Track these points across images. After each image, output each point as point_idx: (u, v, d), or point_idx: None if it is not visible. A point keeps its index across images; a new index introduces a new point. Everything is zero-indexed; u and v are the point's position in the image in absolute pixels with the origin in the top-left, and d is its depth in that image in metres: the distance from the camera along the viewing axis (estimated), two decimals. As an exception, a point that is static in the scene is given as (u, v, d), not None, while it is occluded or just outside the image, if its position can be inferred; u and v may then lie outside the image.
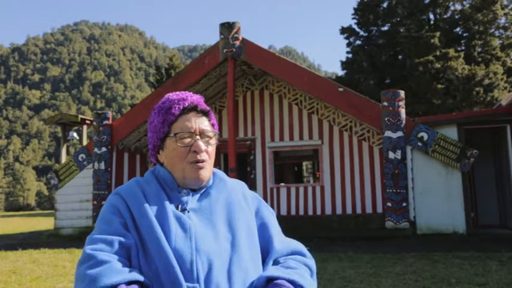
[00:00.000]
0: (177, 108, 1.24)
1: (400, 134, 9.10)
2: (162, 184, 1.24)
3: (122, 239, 1.12)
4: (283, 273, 1.11)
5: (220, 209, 1.21)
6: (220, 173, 1.32)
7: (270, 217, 1.30)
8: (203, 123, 1.25)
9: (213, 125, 1.29)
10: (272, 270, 1.13)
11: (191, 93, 1.30)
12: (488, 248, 7.00)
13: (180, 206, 1.18)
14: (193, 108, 1.26)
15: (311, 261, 1.24)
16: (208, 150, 1.24)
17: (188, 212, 1.18)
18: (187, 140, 1.22)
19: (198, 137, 1.23)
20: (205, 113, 1.28)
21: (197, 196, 1.22)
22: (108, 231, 1.13)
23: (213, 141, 1.27)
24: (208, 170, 1.24)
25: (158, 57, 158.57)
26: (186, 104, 1.25)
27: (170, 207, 1.17)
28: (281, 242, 1.25)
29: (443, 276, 5.00)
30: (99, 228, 1.16)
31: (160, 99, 1.30)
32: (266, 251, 1.22)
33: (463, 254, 6.41)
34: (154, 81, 33.59)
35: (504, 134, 9.29)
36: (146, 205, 1.16)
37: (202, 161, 1.22)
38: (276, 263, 1.20)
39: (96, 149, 10.80)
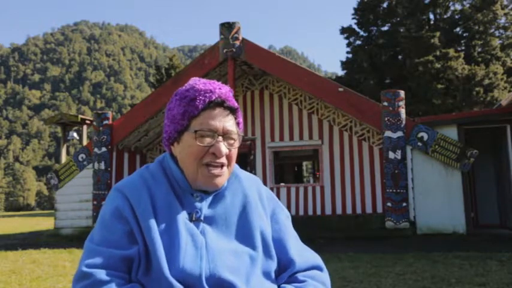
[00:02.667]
0: (201, 101, 1.08)
1: (400, 134, 9.10)
2: (172, 182, 1.11)
3: (123, 252, 1.02)
4: None
5: (236, 217, 1.11)
6: (235, 169, 1.19)
7: (286, 222, 1.21)
8: (228, 123, 1.11)
9: (238, 124, 1.15)
10: None
11: (220, 83, 1.14)
12: (488, 248, 6.99)
13: (194, 215, 1.07)
14: (220, 104, 1.10)
15: (327, 277, 1.17)
16: (229, 154, 1.10)
17: (202, 221, 1.08)
18: (208, 140, 1.08)
19: (220, 138, 1.08)
20: (232, 111, 1.13)
21: (210, 199, 1.11)
22: (108, 240, 1.04)
23: (237, 144, 1.13)
24: (225, 176, 1.11)
25: (158, 57, 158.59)
26: (213, 98, 1.09)
27: (182, 217, 1.06)
28: (299, 253, 1.16)
29: (443, 276, 5.00)
30: (100, 234, 1.06)
31: (186, 84, 1.15)
32: (284, 264, 1.13)
33: (463, 254, 6.41)
34: (155, 81, 33.58)
35: (504, 134, 9.29)
36: (153, 213, 1.05)
37: (221, 166, 1.09)
38: (294, 279, 1.12)
39: (96, 149, 10.79)
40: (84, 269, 1.00)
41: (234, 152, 1.13)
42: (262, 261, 1.09)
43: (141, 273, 1.02)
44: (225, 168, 1.10)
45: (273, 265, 1.11)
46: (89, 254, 1.03)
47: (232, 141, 1.11)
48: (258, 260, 1.07)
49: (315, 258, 1.19)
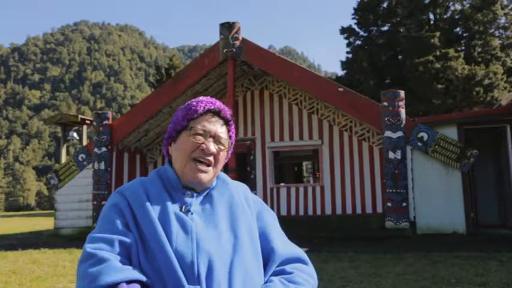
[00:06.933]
0: (201, 108, 1.25)
1: (400, 134, 9.10)
2: (166, 184, 1.24)
3: (122, 238, 1.12)
4: None
5: (222, 211, 1.21)
6: (223, 175, 1.32)
7: (272, 220, 1.29)
8: (221, 129, 1.26)
9: (230, 137, 1.30)
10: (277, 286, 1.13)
11: (221, 102, 1.33)
12: (488, 248, 6.99)
13: (183, 207, 1.19)
14: (217, 113, 1.27)
15: (313, 270, 1.25)
16: (217, 155, 1.24)
17: (191, 213, 1.18)
18: (200, 138, 1.23)
19: (211, 139, 1.23)
20: (226, 122, 1.29)
21: (200, 198, 1.23)
22: (108, 230, 1.14)
23: (225, 150, 1.27)
24: (209, 175, 1.23)
25: (158, 57, 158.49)
26: (212, 107, 1.27)
27: (172, 208, 1.17)
28: (282, 245, 1.24)
29: (443, 276, 5.00)
30: (100, 226, 1.16)
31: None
32: (268, 254, 1.21)
33: (463, 254, 6.41)
34: (154, 81, 33.60)
35: (504, 134, 9.29)
36: (148, 205, 1.16)
37: (208, 164, 1.22)
38: (281, 271, 1.19)
39: (96, 149, 10.79)
40: (89, 250, 1.10)
41: (222, 156, 1.26)
42: (249, 252, 1.16)
43: (142, 256, 1.11)
44: (210, 168, 1.23)
45: (259, 256, 1.19)
46: (91, 240, 1.14)
47: (221, 146, 1.26)
48: (241, 249, 1.14)
49: (300, 252, 1.26)
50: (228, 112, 1.30)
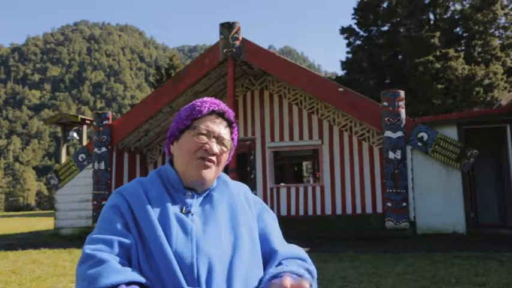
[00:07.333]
0: (206, 109, 1.26)
1: (400, 134, 9.10)
2: (166, 185, 1.24)
3: (121, 239, 1.11)
4: (286, 269, 1.13)
5: (223, 212, 1.21)
6: (224, 176, 1.33)
7: (272, 222, 1.30)
8: (224, 131, 1.27)
9: (232, 139, 1.31)
10: (275, 270, 1.13)
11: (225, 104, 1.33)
12: (488, 248, 6.99)
13: (184, 208, 1.18)
14: (221, 115, 1.28)
15: (312, 267, 1.24)
16: (219, 155, 1.25)
17: (192, 214, 1.18)
18: (204, 138, 1.23)
19: (214, 139, 1.24)
20: (229, 124, 1.30)
21: (200, 199, 1.23)
22: (108, 230, 1.13)
23: (227, 151, 1.28)
24: (212, 173, 1.23)
25: (158, 57, 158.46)
26: (217, 108, 1.27)
27: (173, 209, 1.17)
28: (283, 246, 1.24)
29: (443, 276, 5.00)
30: (100, 227, 1.16)
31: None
32: (268, 256, 1.21)
33: (463, 254, 6.41)
34: (154, 81, 33.59)
35: (504, 134, 9.29)
36: (148, 206, 1.15)
37: (210, 161, 1.22)
38: (278, 264, 1.19)
39: (96, 149, 10.79)
40: (88, 251, 1.09)
41: (224, 157, 1.27)
42: (249, 253, 1.16)
43: (141, 257, 1.11)
44: (213, 166, 1.23)
45: (259, 257, 1.19)
46: (91, 241, 1.13)
47: (224, 148, 1.26)
48: (241, 250, 1.14)
49: (300, 251, 1.26)
50: (232, 114, 1.31)
